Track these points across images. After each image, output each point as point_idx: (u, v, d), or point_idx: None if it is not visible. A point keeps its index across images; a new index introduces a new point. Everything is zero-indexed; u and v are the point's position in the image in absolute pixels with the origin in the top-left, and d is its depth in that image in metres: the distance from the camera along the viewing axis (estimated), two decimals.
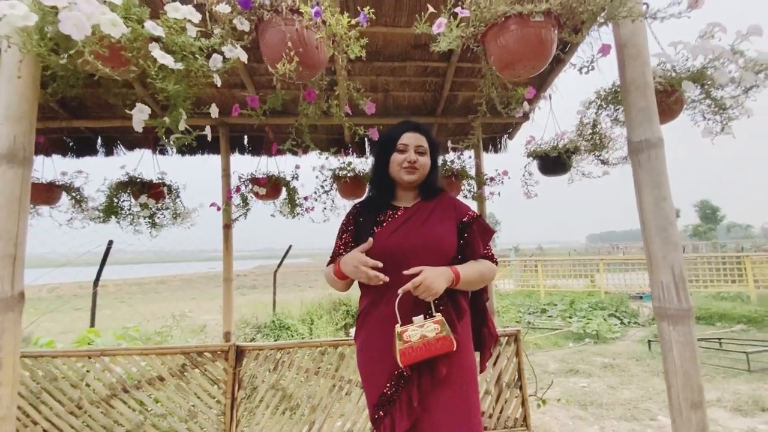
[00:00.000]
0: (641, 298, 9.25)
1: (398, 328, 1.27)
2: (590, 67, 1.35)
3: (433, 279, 1.26)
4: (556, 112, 2.47)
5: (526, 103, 1.66)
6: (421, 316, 1.29)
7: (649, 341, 5.50)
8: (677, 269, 1.09)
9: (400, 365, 1.26)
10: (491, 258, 1.48)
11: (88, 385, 2.46)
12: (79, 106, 2.66)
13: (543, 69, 1.27)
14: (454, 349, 1.27)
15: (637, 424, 3.20)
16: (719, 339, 5.27)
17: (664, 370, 1.12)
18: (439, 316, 1.28)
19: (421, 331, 1.25)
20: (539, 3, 1.09)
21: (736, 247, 23.93)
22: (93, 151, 3.04)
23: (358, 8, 1.22)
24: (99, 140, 3.02)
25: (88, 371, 2.46)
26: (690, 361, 1.07)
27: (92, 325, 4.14)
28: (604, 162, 2.08)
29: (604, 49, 1.31)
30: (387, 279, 1.30)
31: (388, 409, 1.32)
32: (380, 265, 1.31)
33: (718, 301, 8.35)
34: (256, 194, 2.64)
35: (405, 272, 1.29)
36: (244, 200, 2.69)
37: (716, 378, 4.21)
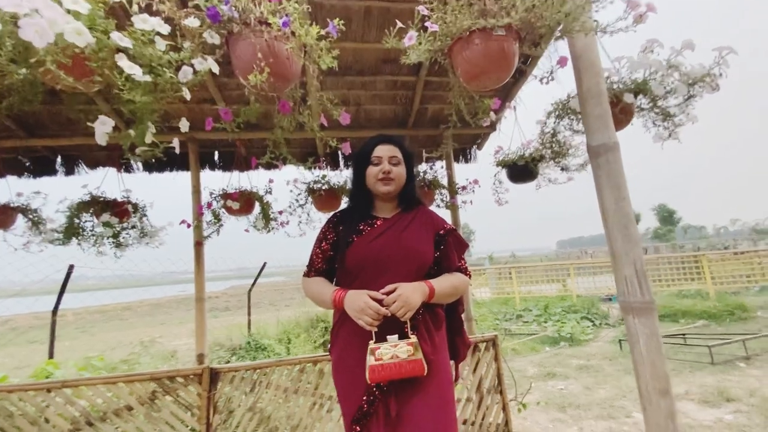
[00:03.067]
0: (610, 299, 9.61)
1: (371, 344, 1.26)
2: (550, 78, 1.45)
3: (409, 295, 1.27)
4: (522, 123, 2.58)
5: (492, 114, 1.74)
6: (396, 335, 1.28)
7: (620, 341, 5.70)
8: (639, 264, 1.16)
9: (369, 382, 1.25)
10: (465, 271, 1.51)
11: (47, 420, 2.28)
12: (37, 123, 2.55)
13: (507, 80, 1.35)
14: (425, 374, 1.26)
15: (614, 422, 3.28)
16: (684, 335, 5.54)
17: (632, 362, 1.17)
18: (413, 338, 1.27)
19: (394, 351, 1.24)
20: (501, 18, 1.16)
21: (693, 247, 25.34)
22: (52, 171, 2.89)
23: (327, 20, 1.25)
24: (59, 159, 2.89)
25: (47, 406, 2.29)
26: (655, 351, 1.13)
27: (51, 356, 3.86)
28: (564, 168, 2.19)
29: (562, 61, 1.41)
30: (376, 329, 1.27)
31: (365, 424, 1.30)
32: (389, 314, 1.26)
33: (680, 298, 8.79)
34: (229, 209, 2.58)
35: (381, 291, 1.29)
36: (216, 216, 2.62)
37: (683, 372, 4.41)
